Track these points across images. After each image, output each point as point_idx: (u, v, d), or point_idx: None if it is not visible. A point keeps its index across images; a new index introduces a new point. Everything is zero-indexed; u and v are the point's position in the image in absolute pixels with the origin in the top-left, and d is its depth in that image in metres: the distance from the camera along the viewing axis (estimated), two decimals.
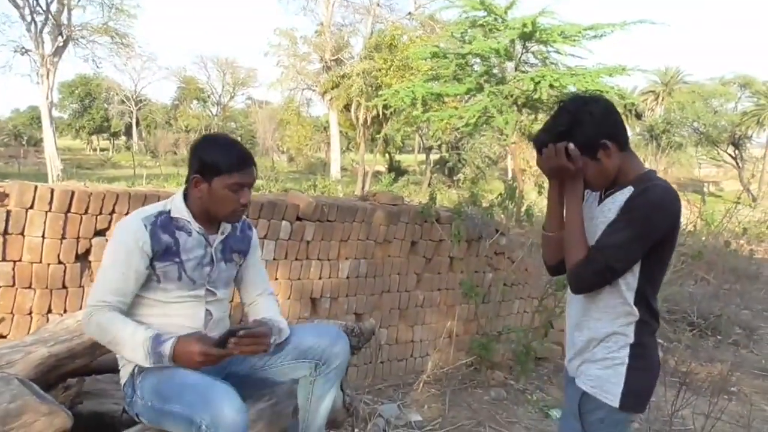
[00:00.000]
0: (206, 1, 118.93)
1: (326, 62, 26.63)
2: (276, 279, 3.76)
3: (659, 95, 41.66)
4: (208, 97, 50.38)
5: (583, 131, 1.65)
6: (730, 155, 35.54)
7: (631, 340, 1.70)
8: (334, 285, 4.07)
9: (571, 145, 1.66)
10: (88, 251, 3.11)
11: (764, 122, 34.91)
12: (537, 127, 18.78)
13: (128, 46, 27.90)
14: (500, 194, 4.91)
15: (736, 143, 34.75)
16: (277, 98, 46.32)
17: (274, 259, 3.74)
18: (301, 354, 2.03)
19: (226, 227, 2.03)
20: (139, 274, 1.88)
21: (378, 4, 27.35)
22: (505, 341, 4.76)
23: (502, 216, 5.18)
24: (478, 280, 4.81)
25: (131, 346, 1.82)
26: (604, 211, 1.71)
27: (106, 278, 1.87)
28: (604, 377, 1.72)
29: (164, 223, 1.92)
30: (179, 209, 1.95)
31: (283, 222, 3.76)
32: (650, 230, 1.61)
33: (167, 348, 1.79)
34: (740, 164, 34.90)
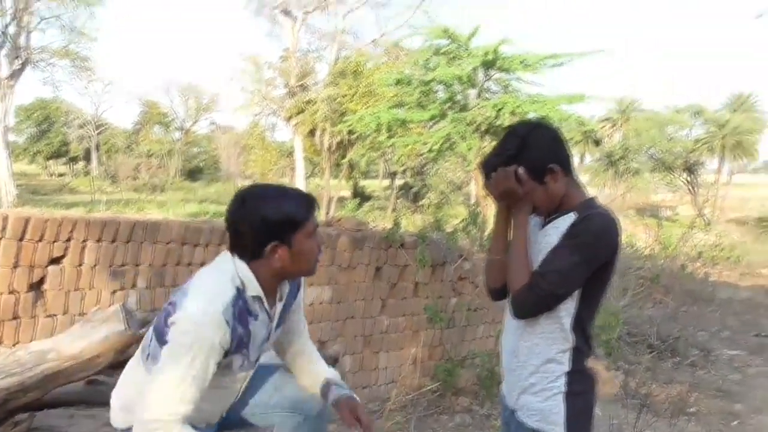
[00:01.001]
0: (170, 27, 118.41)
1: (291, 88, 26.67)
2: None
3: (617, 122, 42.89)
4: (171, 121, 49.82)
5: (532, 155, 1.67)
6: (684, 181, 36.68)
7: (567, 368, 1.71)
8: None
9: (521, 169, 1.67)
10: (42, 280, 3.01)
11: (715, 149, 36.32)
12: None
13: (89, 69, 27.52)
14: (464, 219, 4.96)
15: (690, 169, 35.90)
16: (242, 123, 46.16)
17: None
18: (296, 407, 1.91)
19: (285, 289, 1.75)
20: (208, 379, 1.59)
21: (343, 31, 27.63)
22: (469, 366, 4.76)
23: (466, 241, 5.23)
24: (443, 305, 4.82)
25: None
26: (547, 237, 1.72)
27: (178, 383, 1.53)
28: (546, 410, 1.72)
29: (241, 313, 1.61)
30: (254, 288, 1.63)
31: None
32: (593, 257, 1.63)
33: None
34: (694, 189, 36.03)
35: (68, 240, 3.05)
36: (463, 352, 4.86)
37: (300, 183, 28.67)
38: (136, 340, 3.10)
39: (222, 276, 1.61)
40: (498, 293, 1.86)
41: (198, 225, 3.60)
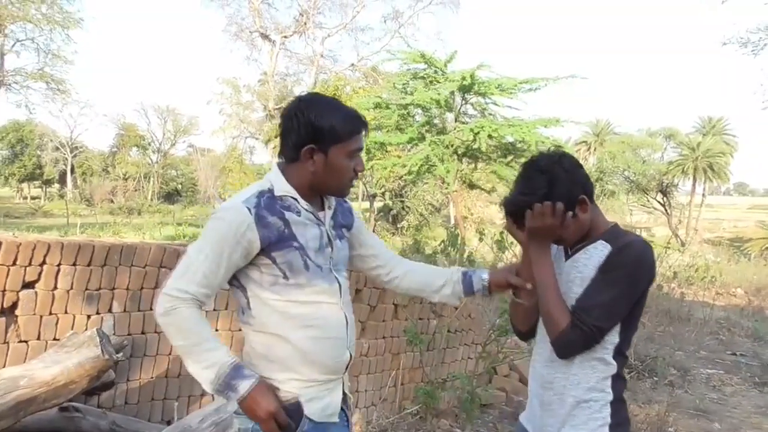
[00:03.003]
0: (148, 49, 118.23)
1: (270, 111, 26.74)
2: (216, 330, 3.66)
3: (591, 145, 43.68)
4: (149, 144, 49.53)
5: (562, 188, 1.64)
6: (659, 202, 37.33)
7: (611, 397, 1.67)
8: None
9: (560, 204, 1.64)
10: (14, 305, 2.95)
11: (688, 171, 37.17)
12: (478, 175, 19.35)
13: (64, 92, 27.31)
14: (443, 241, 4.98)
15: (664, 191, 36.57)
16: (220, 146, 46.04)
17: (214, 309, 3.64)
18: None
19: (332, 201, 1.76)
20: (231, 265, 1.59)
21: (321, 55, 27.88)
22: (450, 388, 4.74)
23: (446, 262, 5.24)
24: (423, 327, 4.81)
25: (206, 362, 1.54)
26: (578, 267, 1.69)
27: (192, 265, 1.57)
28: None
29: (269, 204, 1.62)
30: (282, 187, 1.65)
31: None
32: (635, 287, 1.62)
33: (244, 386, 1.53)
34: (669, 211, 36.66)
35: (42, 264, 3.00)
36: (444, 374, 4.84)
37: None
38: (111, 366, 3.05)
39: (257, 182, 1.70)
40: (527, 335, 1.84)
41: (175, 248, 3.56)
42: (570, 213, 1.65)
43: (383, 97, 18.76)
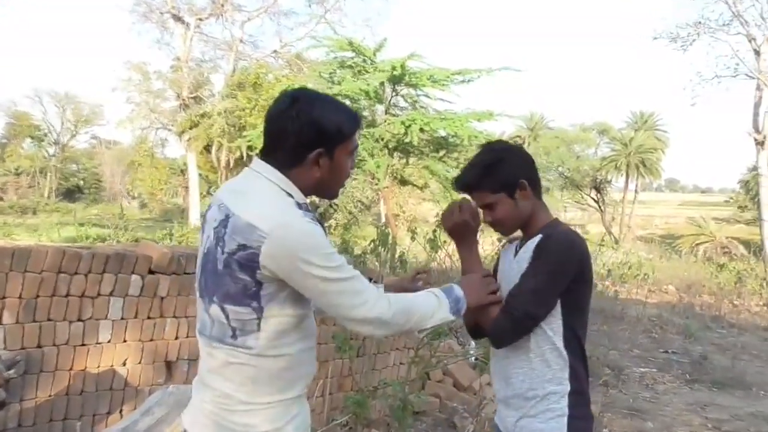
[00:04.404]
0: (43, 30, 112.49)
1: (183, 100, 26.03)
2: (125, 341, 3.53)
3: (525, 140, 44.99)
4: (45, 135, 47.15)
5: (506, 167, 1.82)
6: (593, 199, 38.95)
7: (569, 388, 1.77)
8: (193, 345, 3.88)
9: (473, 203, 1.82)
10: None
11: (621, 167, 38.91)
12: (409, 171, 19.57)
13: None
14: (373, 241, 5.00)
15: (598, 187, 38.22)
16: (127, 138, 44.37)
17: (122, 318, 3.51)
18: None
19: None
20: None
21: (241, 41, 27.37)
22: (381, 396, 4.77)
23: (376, 263, 5.27)
24: (352, 332, 4.81)
25: (434, 307, 1.66)
26: (519, 263, 1.82)
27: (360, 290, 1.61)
28: (547, 430, 1.76)
29: (310, 216, 1.58)
30: (300, 196, 1.61)
31: (133, 276, 3.55)
32: (561, 272, 1.75)
33: (459, 291, 1.71)
34: (602, 207, 38.31)
35: None
36: (374, 381, 4.86)
37: (194, 203, 27.90)
38: (2, 384, 2.89)
39: (267, 191, 1.58)
40: (476, 332, 1.93)
41: (76, 251, 3.41)
42: (509, 195, 1.82)
43: (308, 86, 18.65)
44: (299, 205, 1.57)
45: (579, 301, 1.81)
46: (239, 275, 1.52)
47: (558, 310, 1.76)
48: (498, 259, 2.04)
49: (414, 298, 1.66)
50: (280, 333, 1.58)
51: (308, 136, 1.57)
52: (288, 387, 1.64)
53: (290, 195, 1.59)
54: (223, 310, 1.56)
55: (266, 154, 1.63)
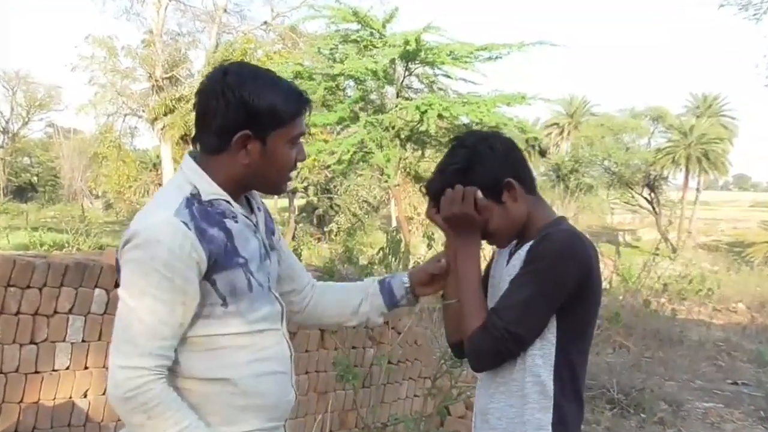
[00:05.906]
0: None
1: (157, 81, 26.14)
2: (86, 368, 3.54)
3: (564, 128, 44.95)
4: None
5: (485, 169, 1.71)
6: (645, 199, 38.72)
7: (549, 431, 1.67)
8: None
9: (480, 193, 1.70)
10: None
11: (680, 161, 38.58)
12: (425, 165, 19.56)
13: None
14: (382, 248, 5.00)
15: (652, 185, 37.99)
16: (90, 126, 44.71)
17: (83, 340, 3.53)
18: None
19: (258, 200, 1.78)
20: (190, 302, 1.55)
21: (225, 11, 27.49)
22: None
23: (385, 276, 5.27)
24: (357, 358, 4.81)
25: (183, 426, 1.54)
26: (509, 271, 1.74)
27: (141, 320, 1.51)
28: None
29: (203, 213, 1.58)
30: (209, 188, 1.61)
31: (97, 290, 3.57)
32: (556, 283, 1.64)
33: None
34: (657, 209, 38.09)
35: None
36: (383, 416, 4.86)
37: None
38: None
39: (170, 185, 1.65)
40: (460, 349, 1.84)
41: (29, 261, 3.43)
42: (495, 201, 1.72)
43: (305, 64, 18.66)
44: (190, 201, 1.58)
45: (579, 322, 1.72)
46: None
47: (553, 333, 1.67)
48: (491, 261, 1.95)
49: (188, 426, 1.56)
50: (195, 357, 1.61)
51: (235, 116, 1.58)
52: (231, 420, 1.64)
53: (194, 192, 1.61)
54: None
55: (194, 138, 1.67)
